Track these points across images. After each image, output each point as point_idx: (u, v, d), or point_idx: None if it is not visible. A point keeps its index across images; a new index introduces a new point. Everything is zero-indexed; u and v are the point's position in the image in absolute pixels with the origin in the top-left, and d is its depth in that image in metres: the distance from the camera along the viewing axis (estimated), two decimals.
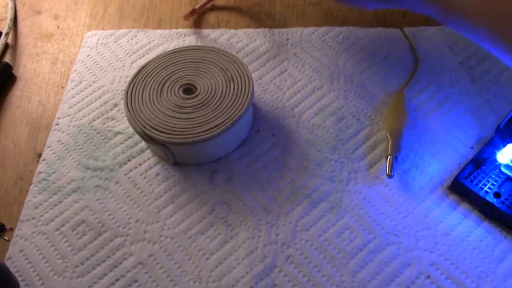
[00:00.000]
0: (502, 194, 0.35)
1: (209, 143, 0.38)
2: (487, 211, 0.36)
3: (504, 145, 0.35)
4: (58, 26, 0.52)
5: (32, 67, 0.49)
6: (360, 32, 0.47)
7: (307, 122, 0.42)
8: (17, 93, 0.47)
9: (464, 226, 0.36)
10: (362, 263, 0.35)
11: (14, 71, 0.48)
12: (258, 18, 0.50)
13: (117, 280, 0.35)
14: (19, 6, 0.54)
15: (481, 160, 0.37)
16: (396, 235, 0.36)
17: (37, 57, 0.49)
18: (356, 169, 0.39)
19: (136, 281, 0.35)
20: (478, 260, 0.34)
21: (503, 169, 0.36)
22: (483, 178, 0.36)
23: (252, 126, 0.42)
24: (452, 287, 0.33)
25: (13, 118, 0.45)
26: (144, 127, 0.38)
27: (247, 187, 0.39)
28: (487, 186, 0.36)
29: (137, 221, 0.38)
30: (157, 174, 0.40)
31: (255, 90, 0.44)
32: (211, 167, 0.40)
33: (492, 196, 0.35)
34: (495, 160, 0.37)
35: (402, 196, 0.38)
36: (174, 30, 0.50)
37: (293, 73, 0.45)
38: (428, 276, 0.34)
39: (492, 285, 0.33)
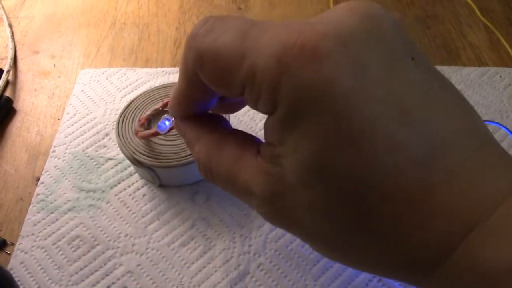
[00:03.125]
0: None
1: (190, 167, 0.43)
2: None
3: None
4: (54, 65, 0.58)
5: (31, 101, 0.54)
6: None
7: None
8: (17, 124, 0.52)
9: None
10: (323, 269, 0.40)
11: (15, 105, 0.53)
12: None
13: (108, 287, 0.40)
14: (18, 46, 0.60)
15: None
16: None
17: (35, 92, 0.55)
18: None
19: (125, 287, 0.40)
20: None
21: None
22: None
23: None
24: None
25: (13, 146, 0.50)
26: (133, 152, 0.43)
27: (223, 205, 0.44)
28: None
29: (126, 235, 0.43)
30: (144, 195, 0.45)
31: (231, 122, 0.50)
32: (192, 188, 0.45)
33: None
34: None
35: None
36: (160, 69, 0.56)
37: None
38: (380, 279, 0.39)
39: None
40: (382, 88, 0.20)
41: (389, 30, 0.22)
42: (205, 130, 0.28)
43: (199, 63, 0.24)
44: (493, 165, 0.21)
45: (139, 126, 0.44)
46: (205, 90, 0.26)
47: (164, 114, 0.46)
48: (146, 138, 0.43)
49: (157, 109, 0.46)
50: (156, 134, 0.41)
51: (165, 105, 0.46)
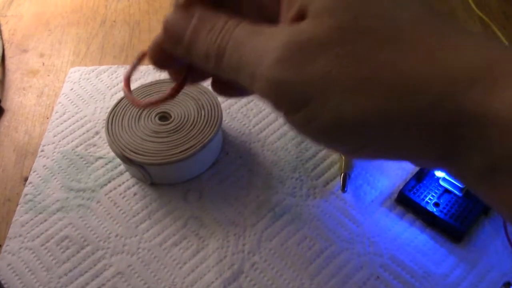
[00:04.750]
0: (440, 204, 0.40)
1: (182, 164, 0.42)
2: (429, 220, 0.41)
3: None
4: (43, 63, 0.57)
5: (19, 100, 0.53)
6: None
7: (271, 146, 0.47)
8: (5, 124, 0.51)
9: (409, 233, 0.40)
10: (320, 267, 0.39)
11: (2, 104, 0.52)
12: None
13: None
14: (7, 45, 0.59)
15: (423, 174, 0.42)
16: (349, 242, 0.40)
17: (24, 91, 0.54)
18: (314, 186, 0.44)
19: None
20: (422, 262, 0.39)
21: (441, 182, 0.41)
22: (425, 190, 0.41)
23: (222, 149, 0.47)
24: (399, 286, 0.38)
25: (1, 146, 0.49)
26: (123, 150, 0.42)
27: (216, 203, 0.43)
28: (428, 197, 0.41)
29: (116, 235, 0.41)
30: (135, 194, 0.44)
31: (224, 119, 0.49)
32: (184, 186, 0.44)
33: (432, 206, 0.40)
34: (434, 174, 0.42)
35: (355, 209, 0.42)
36: (150, 66, 0.54)
37: (258, 103, 0.50)
38: (378, 277, 0.38)
39: (433, 283, 0.38)
40: None
41: None
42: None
43: None
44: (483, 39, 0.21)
45: (128, 91, 0.42)
46: None
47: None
48: (152, 107, 0.41)
49: (134, 66, 0.44)
50: (163, 100, 0.39)
51: (141, 57, 0.44)
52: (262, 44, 0.22)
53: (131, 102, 0.31)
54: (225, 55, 0.23)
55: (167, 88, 0.43)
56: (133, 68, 0.33)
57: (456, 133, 0.20)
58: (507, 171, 0.19)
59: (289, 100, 0.22)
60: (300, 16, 0.22)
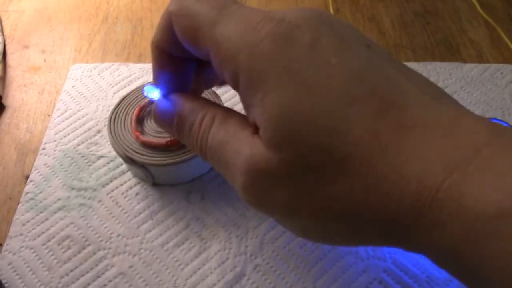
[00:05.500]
0: None
1: (184, 165, 0.42)
2: None
3: None
4: (45, 60, 0.56)
5: (20, 97, 0.52)
6: None
7: None
8: (6, 121, 0.50)
9: None
10: (322, 271, 0.39)
11: (3, 101, 0.52)
12: None
13: None
14: (8, 41, 0.58)
15: None
16: None
17: (25, 88, 0.53)
18: None
19: None
20: (425, 267, 0.39)
21: None
22: None
23: None
24: None
25: (2, 143, 0.48)
26: (126, 150, 0.42)
27: (218, 205, 0.43)
28: None
29: (118, 235, 0.41)
30: (137, 194, 0.44)
31: None
32: (186, 187, 0.44)
33: None
34: None
35: None
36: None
37: None
38: (380, 282, 0.38)
39: None
40: (336, 57, 0.22)
41: (340, 23, 0.24)
42: (209, 104, 0.29)
43: (176, 16, 0.26)
44: (467, 114, 0.21)
45: (136, 120, 0.43)
46: (178, 48, 0.28)
47: None
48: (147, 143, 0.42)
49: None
50: (158, 145, 0.41)
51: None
52: (232, 157, 0.25)
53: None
54: (207, 155, 0.28)
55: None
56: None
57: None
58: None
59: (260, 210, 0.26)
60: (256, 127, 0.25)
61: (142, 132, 0.42)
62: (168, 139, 0.41)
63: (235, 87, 0.25)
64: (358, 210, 0.22)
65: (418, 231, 0.21)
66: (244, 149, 0.25)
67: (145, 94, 0.30)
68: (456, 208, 0.19)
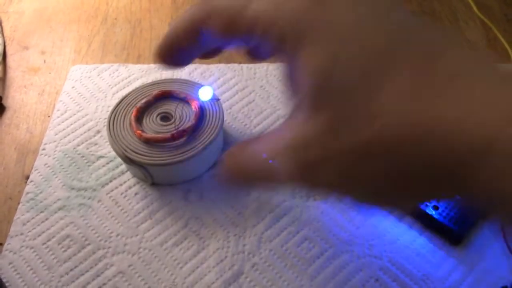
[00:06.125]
0: (439, 207, 0.41)
1: (183, 165, 0.42)
2: (428, 223, 0.41)
3: None
4: (44, 61, 0.57)
5: (20, 98, 0.53)
6: None
7: None
8: (6, 122, 0.51)
9: (408, 235, 0.41)
10: (319, 269, 0.39)
11: (4, 102, 0.52)
12: (228, 55, 0.55)
13: (99, 287, 0.39)
14: (8, 42, 0.59)
15: None
16: (349, 244, 0.40)
17: (25, 89, 0.54)
18: None
19: None
20: (421, 265, 0.39)
21: None
22: None
23: (223, 150, 0.47)
24: None
25: (2, 144, 0.49)
26: (125, 150, 0.42)
27: (217, 204, 0.43)
28: None
29: (117, 235, 0.42)
30: (136, 193, 0.44)
31: (225, 118, 0.49)
32: (185, 186, 0.44)
33: (431, 209, 0.41)
34: None
35: (355, 211, 0.42)
36: (152, 65, 0.55)
37: (260, 103, 0.50)
38: (377, 280, 0.39)
39: (432, 286, 0.38)
40: (371, 11, 0.23)
41: None
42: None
43: (213, 15, 0.27)
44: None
45: (135, 120, 0.44)
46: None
47: (156, 105, 0.45)
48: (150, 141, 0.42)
49: (149, 101, 0.45)
50: (163, 140, 0.42)
51: (157, 95, 0.45)
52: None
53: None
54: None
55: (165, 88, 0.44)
56: None
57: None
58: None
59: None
60: None
61: (143, 131, 0.43)
62: (174, 132, 0.42)
63: (284, 55, 0.26)
64: (411, 157, 0.22)
65: (480, 175, 0.20)
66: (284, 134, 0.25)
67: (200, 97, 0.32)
68: None
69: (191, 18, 0.28)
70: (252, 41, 0.27)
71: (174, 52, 0.30)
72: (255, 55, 0.33)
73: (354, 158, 0.23)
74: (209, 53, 0.33)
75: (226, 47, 0.33)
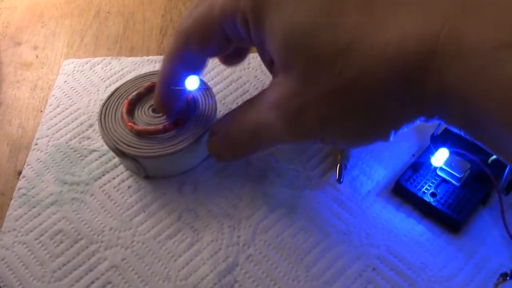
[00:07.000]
0: (438, 194, 0.40)
1: (175, 157, 0.41)
2: (426, 210, 0.40)
3: (437, 150, 0.40)
4: (37, 56, 0.56)
5: (12, 93, 0.52)
6: None
7: None
8: None
9: (406, 224, 0.40)
10: (315, 259, 0.39)
11: None
12: None
13: (92, 282, 0.38)
14: (0, 38, 0.58)
15: (419, 164, 0.42)
16: (345, 233, 0.40)
17: (17, 84, 0.53)
18: (310, 177, 0.43)
19: (110, 282, 0.38)
20: (419, 253, 0.38)
21: (438, 172, 0.41)
22: (421, 180, 0.41)
23: None
24: (396, 277, 0.37)
25: None
26: (116, 143, 0.41)
27: (211, 196, 0.43)
28: (424, 187, 0.40)
29: (110, 229, 0.41)
30: (129, 187, 0.44)
31: (219, 109, 0.48)
32: (179, 179, 0.44)
33: (429, 196, 0.40)
34: (431, 164, 0.41)
35: (351, 200, 0.42)
36: (145, 57, 0.54)
37: (254, 94, 0.49)
38: (374, 269, 0.38)
39: (430, 275, 0.37)
40: None
41: None
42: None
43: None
44: None
45: (127, 112, 0.43)
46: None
47: (147, 97, 0.44)
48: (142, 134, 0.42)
49: (140, 93, 0.44)
50: (155, 131, 0.41)
51: (149, 87, 0.45)
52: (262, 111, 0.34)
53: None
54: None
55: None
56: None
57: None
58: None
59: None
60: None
61: (134, 123, 0.42)
62: (166, 123, 0.41)
63: (251, 38, 0.30)
64: (374, 85, 0.24)
65: (429, 83, 0.22)
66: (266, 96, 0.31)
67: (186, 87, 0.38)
68: (457, 48, 0.20)
69: (173, 64, 0.35)
70: (228, 42, 0.32)
71: (173, 106, 0.40)
72: (232, 58, 0.39)
73: (329, 99, 0.25)
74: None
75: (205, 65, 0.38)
